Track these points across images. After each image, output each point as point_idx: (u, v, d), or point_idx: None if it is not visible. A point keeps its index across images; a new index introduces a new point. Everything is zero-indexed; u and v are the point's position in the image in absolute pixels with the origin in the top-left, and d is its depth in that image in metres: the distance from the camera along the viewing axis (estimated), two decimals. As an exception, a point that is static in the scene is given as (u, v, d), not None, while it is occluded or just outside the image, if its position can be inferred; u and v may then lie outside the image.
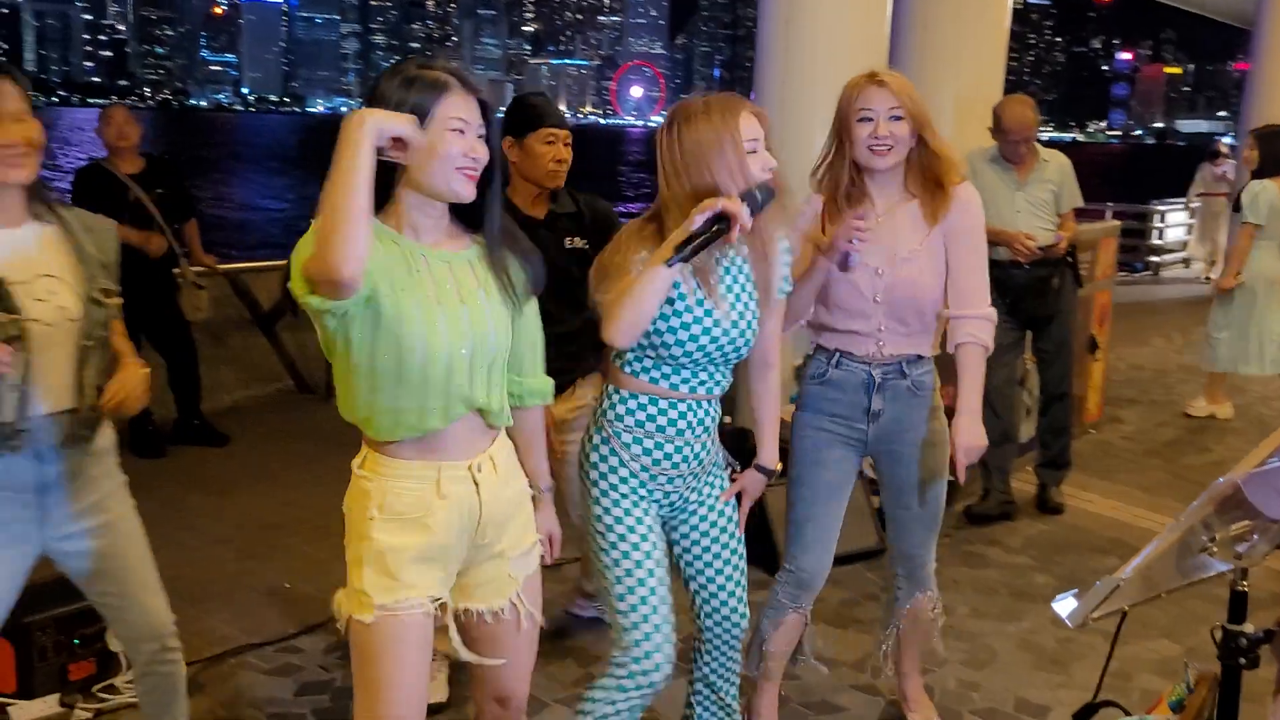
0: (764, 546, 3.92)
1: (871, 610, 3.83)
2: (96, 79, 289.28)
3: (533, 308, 2.21)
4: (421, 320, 1.95)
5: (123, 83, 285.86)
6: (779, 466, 2.69)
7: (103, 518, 2.43)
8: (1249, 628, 1.82)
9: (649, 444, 2.44)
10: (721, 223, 2.19)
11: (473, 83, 2.00)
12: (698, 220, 2.18)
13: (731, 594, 2.63)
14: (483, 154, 2.00)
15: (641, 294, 2.21)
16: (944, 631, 3.77)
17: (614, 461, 2.45)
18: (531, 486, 2.27)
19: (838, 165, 2.80)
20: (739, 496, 2.64)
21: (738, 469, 2.66)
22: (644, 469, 2.45)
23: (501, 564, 2.15)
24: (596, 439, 2.48)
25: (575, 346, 3.11)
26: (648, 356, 2.41)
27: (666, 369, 2.41)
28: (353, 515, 2.06)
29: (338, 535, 2.10)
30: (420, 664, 2.05)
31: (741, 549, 2.64)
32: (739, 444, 2.95)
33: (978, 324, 2.83)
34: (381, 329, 1.94)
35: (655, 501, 2.49)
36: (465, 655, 2.14)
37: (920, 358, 2.86)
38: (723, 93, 2.41)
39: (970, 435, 2.79)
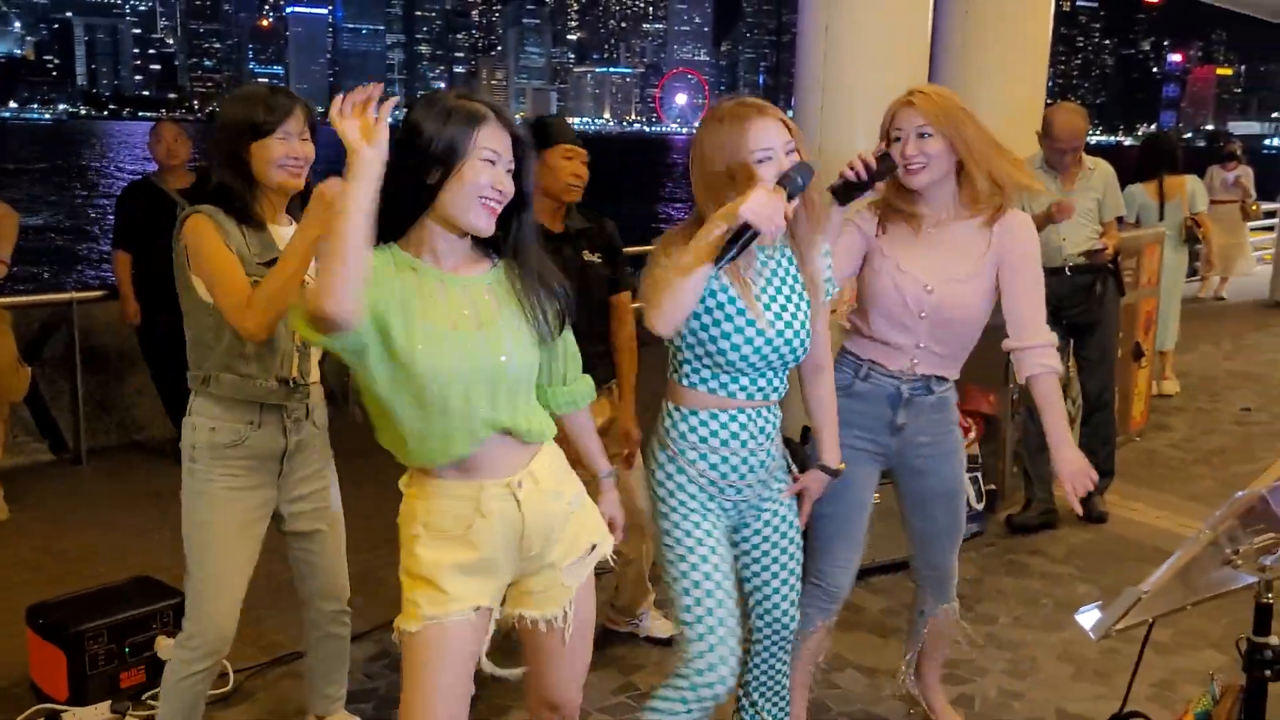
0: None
1: (911, 620, 3.82)
2: (146, 92, 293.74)
3: (566, 328, 2.24)
4: (434, 350, 1.97)
5: (171, 95, 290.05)
6: (842, 466, 2.69)
7: (319, 484, 2.80)
8: (1275, 639, 1.82)
9: (715, 459, 2.45)
10: (748, 230, 2.15)
11: (508, 117, 2.02)
12: (719, 228, 2.16)
13: (785, 596, 2.64)
14: (507, 188, 2.01)
15: (681, 286, 2.18)
16: (986, 640, 3.78)
17: (681, 480, 2.46)
18: (590, 472, 2.36)
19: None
20: (800, 497, 2.66)
21: (797, 472, 2.66)
22: (711, 483, 2.46)
23: (554, 574, 2.18)
24: (662, 457, 2.49)
25: (591, 357, 3.16)
26: (705, 366, 2.41)
27: (725, 377, 2.41)
28: (403, 532, 2.13)
29: (381, 547, 2.14)
30: (463, 672, 2.09)
31: (799, 553, 2.65)
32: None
33: (1047, 352, 2.74)
34: (397, 362, 1.97)
35: (723, 512, 2.50)
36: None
37: (944, 379, 2.85)
38: (748, 98, 2.37)
39: (1074, 463, 2.66)
